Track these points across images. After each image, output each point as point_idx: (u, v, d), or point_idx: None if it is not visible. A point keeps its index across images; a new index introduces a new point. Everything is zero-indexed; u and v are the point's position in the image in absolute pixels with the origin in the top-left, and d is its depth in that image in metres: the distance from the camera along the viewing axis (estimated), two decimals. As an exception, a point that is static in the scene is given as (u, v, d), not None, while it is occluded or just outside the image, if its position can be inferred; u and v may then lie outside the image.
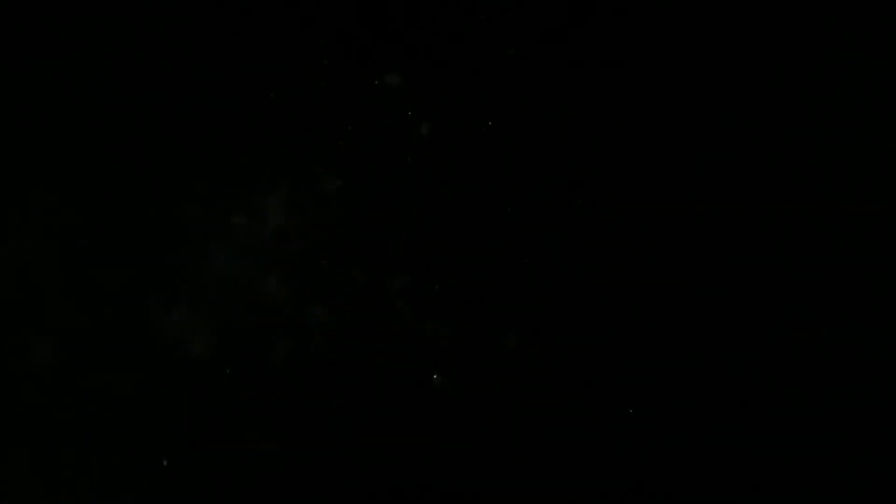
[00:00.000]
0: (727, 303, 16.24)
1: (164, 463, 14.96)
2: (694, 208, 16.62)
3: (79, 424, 15.22)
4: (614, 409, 15.25)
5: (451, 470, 16.26)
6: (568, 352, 16.24)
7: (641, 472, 15.45)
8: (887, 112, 15.16)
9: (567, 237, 16.46)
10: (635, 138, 16.89)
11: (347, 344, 17.52)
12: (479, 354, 17.13)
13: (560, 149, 16.66)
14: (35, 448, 15.00)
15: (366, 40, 16.73)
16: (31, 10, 15.34)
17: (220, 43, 16.22)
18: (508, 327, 16.70)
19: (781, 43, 16.56)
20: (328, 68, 17.15)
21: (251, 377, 16.46)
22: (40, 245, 14.48)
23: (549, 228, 16.54)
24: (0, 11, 15.51)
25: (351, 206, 18.22)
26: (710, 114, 17.43)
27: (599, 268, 16.56)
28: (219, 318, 16.42)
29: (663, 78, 17.30)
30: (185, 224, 16.01)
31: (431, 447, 16.86)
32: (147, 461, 16.05)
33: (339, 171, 17.20)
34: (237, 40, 16.54)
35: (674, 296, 16.14)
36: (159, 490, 15.55)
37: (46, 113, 15.82)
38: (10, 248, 15.06)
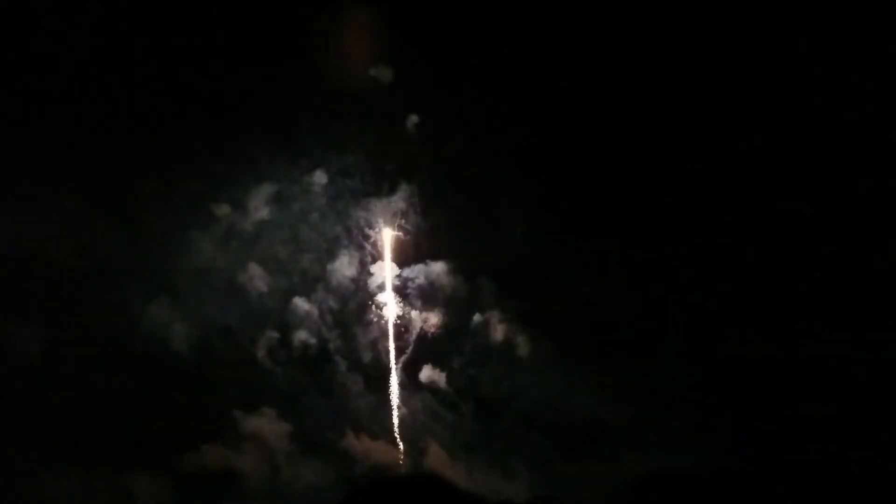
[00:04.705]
0: (729, 311, 16.33)
1: None
2: (690, 210, 16.60)
3: (62, 415, 14.56)
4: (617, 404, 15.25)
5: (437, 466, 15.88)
6: (559, 349, 16.12)
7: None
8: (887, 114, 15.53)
9: (553, 228, 16.38)
10: (625, 136, 16.91)
11: (333, 336, 17.05)
12: (467, 344, 16.82)
13: (546, 142, 16.64)
14: (18, 438, 14.27)
15: (357, 35, 16.46)
16: (34, 11, 14.75)
17: (210, 39, 15.77)
18: (496, 318, 16.45)
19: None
20: (316, 63, 16.71)
21: (234, 370, 15.96)
22: (22, 237, 13.92)
23: (537, 221, 16.42)
24: (4, 14, 14.87)
25: (336, 199, 17.73)
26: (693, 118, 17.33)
27: (588, 253, 16.44)
28: (200, 310, 15.84)
29: (647, 78, 17.31)
30: (165, 214, 15.47)
31: (421, 442, 16.46)
32: (130, 450, 15.33)
33: (326, 164, 16.78)
34: (226, 37, 16.09)
35: (673, 293, 16.20)
36: (144, 479, 14.91)
37: (33, 109, 15.11)
38: (-8, 240, 14.15)
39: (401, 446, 18.65)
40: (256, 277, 17.10)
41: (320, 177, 17.60)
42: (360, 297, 18.59)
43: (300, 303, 17.60)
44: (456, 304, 18.48)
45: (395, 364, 18.39)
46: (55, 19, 15.31)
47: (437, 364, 18.56)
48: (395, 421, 18.30)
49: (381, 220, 18.11)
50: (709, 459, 17.22)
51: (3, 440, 14.56)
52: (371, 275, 18.58)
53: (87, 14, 15.33)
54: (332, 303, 18.25)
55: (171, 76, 16.37)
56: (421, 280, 18.66)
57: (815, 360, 16.76)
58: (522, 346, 17.95)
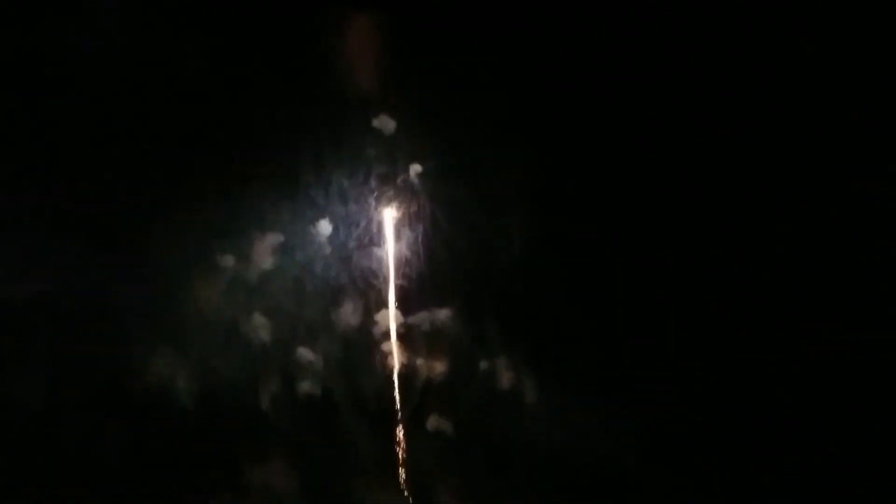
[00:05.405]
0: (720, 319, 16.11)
1: None
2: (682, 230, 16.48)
3: (65, 466, 14.54)
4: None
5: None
6: (567, 393, 16.00)
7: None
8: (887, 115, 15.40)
9: (560, 272, 16.34)
10: (629, 175, 16.93)
11: (338, 386, 17.01)
12: (475, 391, 16.69)
13: (551, 189, 16.65)
14: (21, 489, 14.23)
15: (361, 84, 16.62)
16: (42, 45, 15.06)
17: (214, 89, 16.02)
18: (502, 365, 16.39)
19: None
20: (319, 115, 16.93)
21: (239, 420, 15.89)
22: (25, 287, 14.04)
23: (543, 266, 16.42)
24: (8, 31, 15.17)
25: (341, 248, 17.78)
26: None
27: (595, 294, 16.36)
28: (204, 361, 15.85)
29: (646, 112, 17.33)
30: (169, 264, 15.57)
31: (429, 489, 16.32)
32: (137, 501, 15.23)
33: (331, 214, 16.87)
34: (230, 87, 16.34)
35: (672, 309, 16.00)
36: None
37: (35, 153, 15.32)
38: (-5, 293, 14.27)
39: (410, 499, 18.38)
40: (260, 327, 17.17)
41: (325, 227, 17.79)
42: (365, 346, 18.53)
43: (304, 352, 17.60)
44: (462, 351, 18.36)
45: (402, 413, 18.21)
46: (55, 69, 15.69)
47: (444, 412, 18.34)
48: (403, 471, 18.05)
49: (385, 269, 18.14)
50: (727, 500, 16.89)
51: (5, 492, 14.53)
52: (375, 323, 18.54)
53: (91, 59, 15.68)
54: (337, 352, 18.24)
55: (176, 126, 16.63)
56: (426, 328, 18.62)
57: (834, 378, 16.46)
58: (531, 391, 17.74)
